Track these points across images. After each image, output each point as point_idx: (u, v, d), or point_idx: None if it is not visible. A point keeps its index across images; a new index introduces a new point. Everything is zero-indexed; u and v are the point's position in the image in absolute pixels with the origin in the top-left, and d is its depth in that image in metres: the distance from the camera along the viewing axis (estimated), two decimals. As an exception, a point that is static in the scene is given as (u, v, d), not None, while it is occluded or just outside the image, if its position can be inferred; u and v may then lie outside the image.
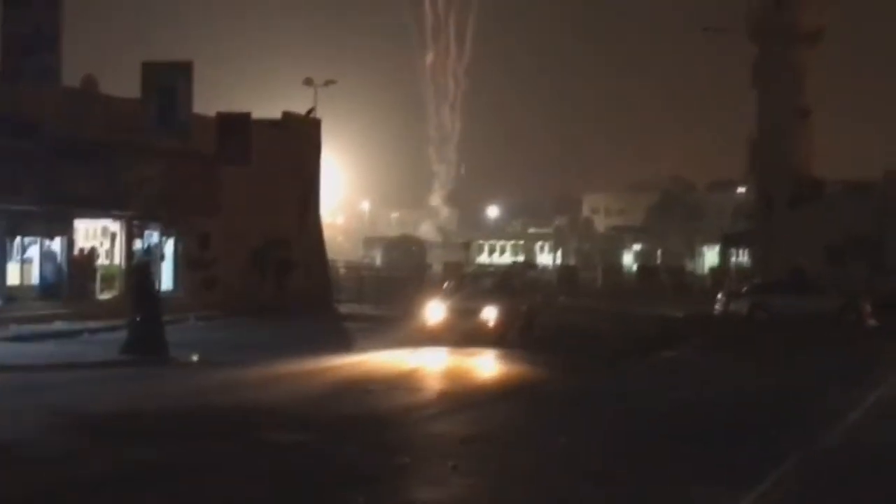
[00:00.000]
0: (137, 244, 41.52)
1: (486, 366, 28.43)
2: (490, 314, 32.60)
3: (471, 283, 39.36)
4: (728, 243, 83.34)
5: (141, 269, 34.61)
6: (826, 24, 73.11)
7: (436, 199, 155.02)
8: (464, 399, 22.09)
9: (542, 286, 55.97)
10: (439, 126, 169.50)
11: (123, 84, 40.87)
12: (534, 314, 36.59)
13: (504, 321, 32.79)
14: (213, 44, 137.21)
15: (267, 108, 50.61)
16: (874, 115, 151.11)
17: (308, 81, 64.75)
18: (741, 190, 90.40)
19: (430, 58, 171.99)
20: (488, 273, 50.95)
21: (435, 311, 33.35)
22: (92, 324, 33.66)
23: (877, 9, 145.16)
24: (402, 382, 24.37)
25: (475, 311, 32.85)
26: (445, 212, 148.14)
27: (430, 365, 28.05)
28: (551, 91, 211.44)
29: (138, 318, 28.07)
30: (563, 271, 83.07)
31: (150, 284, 30.54)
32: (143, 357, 27.14)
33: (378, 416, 19.41)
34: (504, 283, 38.53)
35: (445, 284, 41.63)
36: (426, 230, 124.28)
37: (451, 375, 26.59)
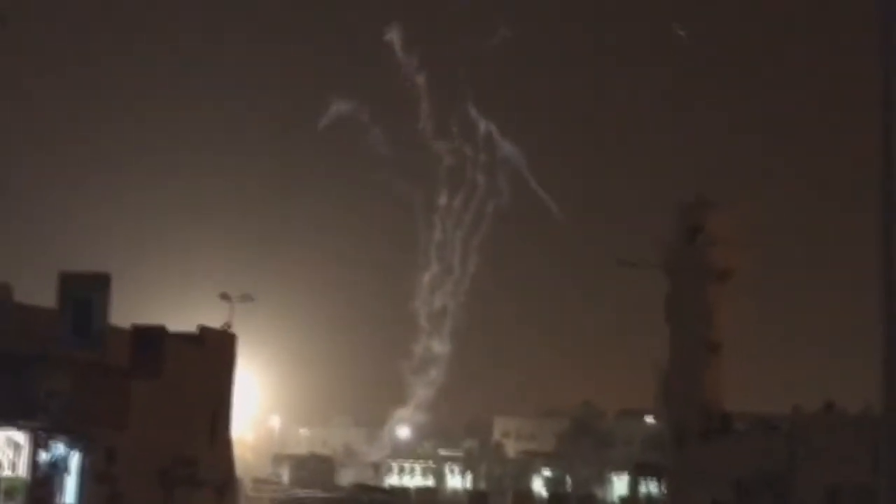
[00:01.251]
0: (43, 456, 40.62)
1: None
2: None
3: None
4: (639, 473, 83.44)
5: (44, 482, 33.74)
6: (735, 264, 74.67)
7: (341, 418, 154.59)
8: None
9: None
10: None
11: (38, 291, 40.57)
12: None
13: None
14: (133, 252, 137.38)
15: (185, 321, 50.28)
16: (783, 352, 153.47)
17: (224, 296, 64.54)
18: (650, 419, 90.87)
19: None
20: (318, 498, 38.34)
21: None
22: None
23: (789, 250, 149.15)
24: None
25: None
26: (353, 430, 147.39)
27: None
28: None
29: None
30: (474, 496, 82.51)
31: (52, 499, 29.75)
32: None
33: None
34: None
35: None
36: (335, 448, 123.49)
37: None
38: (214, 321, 51.57)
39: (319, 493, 67.54)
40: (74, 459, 42.17)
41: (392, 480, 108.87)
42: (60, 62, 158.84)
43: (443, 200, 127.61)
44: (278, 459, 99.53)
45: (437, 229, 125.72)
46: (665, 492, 73.89)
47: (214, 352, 49.17)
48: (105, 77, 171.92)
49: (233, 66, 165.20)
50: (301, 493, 65.95)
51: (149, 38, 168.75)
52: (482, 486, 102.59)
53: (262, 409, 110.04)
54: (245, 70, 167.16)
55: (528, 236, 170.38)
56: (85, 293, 38.19)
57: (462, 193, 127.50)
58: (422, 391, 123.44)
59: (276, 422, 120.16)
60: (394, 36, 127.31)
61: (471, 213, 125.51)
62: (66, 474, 41.13)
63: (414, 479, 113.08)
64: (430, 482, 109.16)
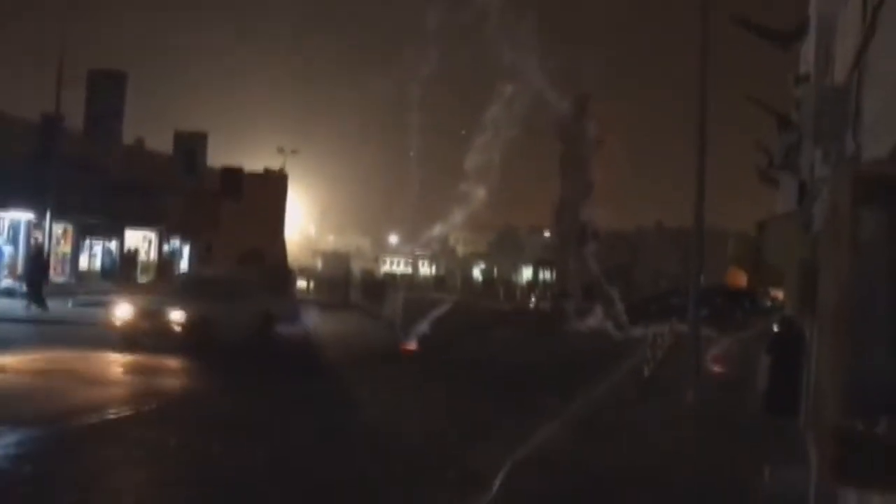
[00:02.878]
0: (165, 248, 41.09)
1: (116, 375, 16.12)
2: (177, 316, 18.95)
3: (185, 282, 24.40)
4: (538, 265, 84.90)
5: (167, 263, 34.28)
6: (606, 135, 74.74)
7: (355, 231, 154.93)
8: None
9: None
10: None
11: (161, 142, 40.57)
12: (271, 319, 22.30)
13: (197, 325, 18.83)
14: (222, 115, 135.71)
15: (256, 164, 50.31)
16: (631, 188, 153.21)
17: (280, 149, 64.27)
18: (547, 233, 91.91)
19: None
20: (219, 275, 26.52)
21: (123, 310, 19.31)
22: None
23: (644, 122, 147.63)
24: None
25: (161, 313, 19.09)
26: (361, 238, 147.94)
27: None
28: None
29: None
30: (436, 279, 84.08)
31: (172, 272, 30.43)
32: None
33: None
34: (226, 283, 22.12)
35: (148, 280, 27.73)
36: (350, 248, 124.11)
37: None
38: (274, 164, 51.61)
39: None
40: (185, 250, 42.77)
41: (384, 268, 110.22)
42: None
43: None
44: (314, 254, 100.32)
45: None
46: (554, 277, 75.26)
47: (274, 184, 49.47)
48: None
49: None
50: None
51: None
52: (442, 273, 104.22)
53: (304, 221, 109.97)
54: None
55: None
56: (190, 144, 38.25)
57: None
58: (405, 212, 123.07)
59: (312, 230, 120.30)
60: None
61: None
62: (180, 259, 41.72)
63: (399, 268, 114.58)
64: (409, 270, 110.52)
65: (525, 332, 31.63)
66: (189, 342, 18.65)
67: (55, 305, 25.47)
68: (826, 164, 9.25)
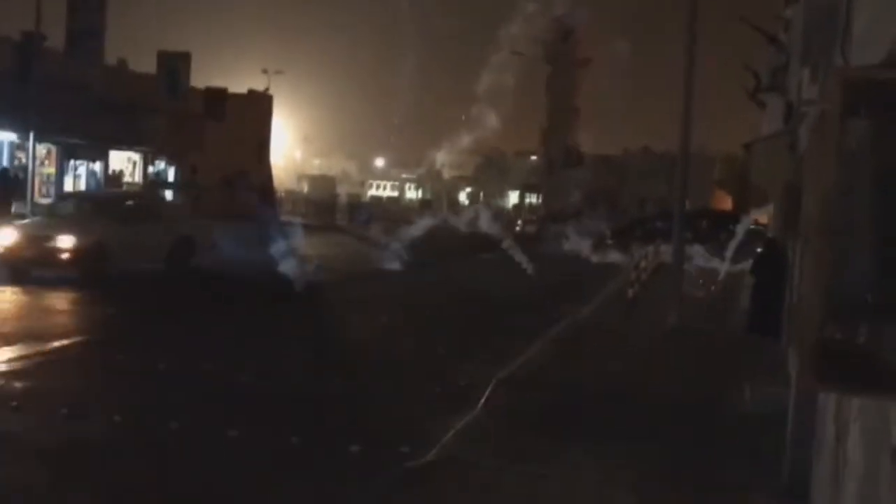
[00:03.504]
0: (150, 169, 40.78)
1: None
2: (65, 242, 16.67)
3: (82, 202, 20.16)
4: (524, 190, 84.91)
5: (152, 185, 34.02)
6: (592, 56, 74.12)
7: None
8: None
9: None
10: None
11: (144, 63, 39.91)
12: (190, 245, 19.10)
13: (90, 252, 16.58)
14: (207, 35, 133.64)
15: (239, 85, 49.60)
16: (620, 112, 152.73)
17: (264, 70, 63.32)
18: (534, 157, 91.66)
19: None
20: (122, 193, 25.84)
21: (5, 236, 16.97)
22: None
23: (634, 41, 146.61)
24: None
25: (48, 238, 16.78)
26: (347, 161, 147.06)
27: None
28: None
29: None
30: (422, 202, 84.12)
31: (157, 196, 30.21)
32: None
33: None
34: (131, 204, 19.53)
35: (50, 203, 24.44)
36: (336, 172, 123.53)
37: None
38: (259, 85, 50.90)
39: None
40: (170, 172, 42.44)
41: (371, 192, 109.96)
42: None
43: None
44: (300, 178, 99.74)
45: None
46: (540, 200, 75.36)
47: (258, 105, 48.85)
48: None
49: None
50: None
51: None
52: (428, 196, 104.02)
53: (289, 145, 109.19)
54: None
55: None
56: (174, 64, 37.62)
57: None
58: (391, 136, 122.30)
59: (298, 154, 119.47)
60: None
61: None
62: (164, 181, 41.43)
63: (385, 192, 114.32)
64: (395, 194, 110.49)
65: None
66: (80, 272, 16.50)
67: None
68: (814, 84, 9.18)
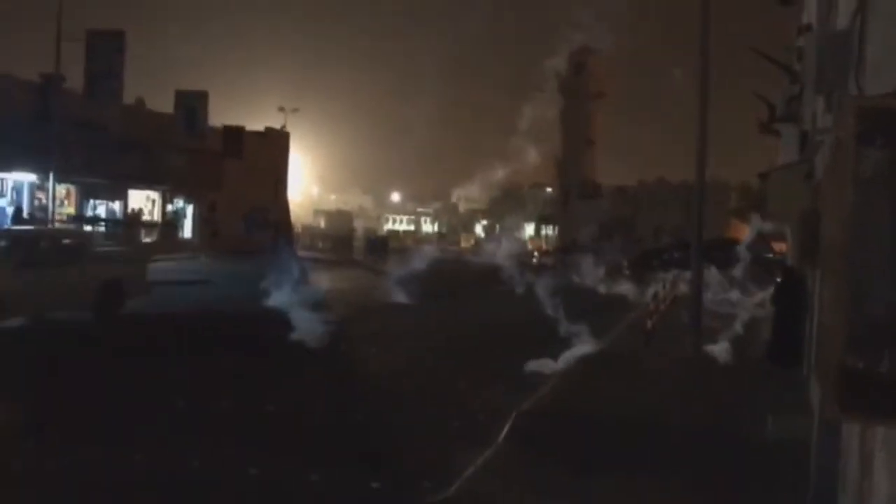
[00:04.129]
0: (169, 207, 41.07)
1: None
2: None
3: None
4: (540, 222, 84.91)
5: (170, 222, 34.27)
6: (605, 89, 74.50)
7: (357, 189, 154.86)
8: None
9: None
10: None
11: (161, 102, 40.35)
12: (118, 292, 16.88)
13: None
14: (224, 75, 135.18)
15: (257, 123, 50.21)
16: (635, 145, 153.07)
17: (281, 108, 63.91)
18: (549, 190, 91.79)
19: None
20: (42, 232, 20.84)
21: None
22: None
23: (646, 74, 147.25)
24: None
25: None
26: (363, 196, 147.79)
27: None
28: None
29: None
30: (439, 236, 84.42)
31: (175, 233, 30.40)
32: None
33: None
34: (48, 245, 16.78)
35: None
36: (352, 207, 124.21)
37: None
38: (276, 123, 51.41)
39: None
40: (189, 209, 42.73)
41: (387, 226, 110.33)
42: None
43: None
44: (317, 213, 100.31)
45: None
46: (556, 232, 75.28)
47: (275, 143, 49.30)
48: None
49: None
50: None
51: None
52: (444, 230, 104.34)
53: (306, 181, 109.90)
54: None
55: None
56: (192, 103, 38.01)
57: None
58: (406, 168, 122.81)
59: (315, 190, 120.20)
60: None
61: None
62: (183, 218, 41.72)
63: (401, 226, 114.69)
64: (411, 228, 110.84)
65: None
66: None
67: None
68: (828, 113, 9.19)
